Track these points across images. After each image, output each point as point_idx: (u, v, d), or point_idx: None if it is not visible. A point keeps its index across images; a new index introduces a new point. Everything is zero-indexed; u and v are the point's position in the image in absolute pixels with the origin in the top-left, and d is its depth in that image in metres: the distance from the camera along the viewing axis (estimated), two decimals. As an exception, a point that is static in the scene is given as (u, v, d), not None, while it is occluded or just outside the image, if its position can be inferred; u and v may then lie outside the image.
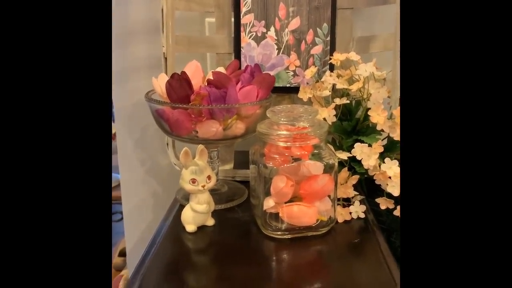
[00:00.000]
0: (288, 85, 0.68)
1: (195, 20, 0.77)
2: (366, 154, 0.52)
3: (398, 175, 0.50)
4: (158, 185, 0.91)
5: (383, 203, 0.54)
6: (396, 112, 0.52)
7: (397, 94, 0.63)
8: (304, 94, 0.61)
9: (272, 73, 0.67)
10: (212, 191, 0.59)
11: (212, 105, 0.50)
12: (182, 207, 0.56)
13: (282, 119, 0.48)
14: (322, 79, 0.62)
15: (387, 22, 0.70)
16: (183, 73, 0.53)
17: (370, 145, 0.54)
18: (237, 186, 0.63)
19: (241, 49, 0.67)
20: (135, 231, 0.90)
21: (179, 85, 0.51)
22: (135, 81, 0.78)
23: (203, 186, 0.49)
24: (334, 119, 0.58)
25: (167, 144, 0.65)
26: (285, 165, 0.48)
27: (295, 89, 0.65)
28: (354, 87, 0.56)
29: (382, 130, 0.54)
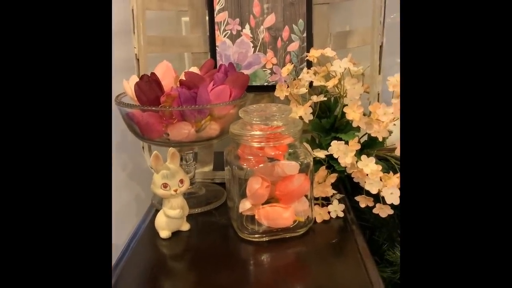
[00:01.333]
0: (265, 84, 0.66)
1: (171, 19, 0.75)
2: (342, 152, 0.51)
3: (375, 172, 0.49)
4: (141, 189, 0.89)
5: (363, 201, 0.53)
6: (373, 108, 0.51)
7: (376, 89, 0.62)
8: (280, 92, 0.60)
9: (249, 71, 0.66)
10: (189, 195, 0.58)
11: (183, 106, 0.49)
12: (158, 212, 0.55)
13: (255, 119, 0.47)
14: (299, 77, 0.61)
15: (364, 16, 0.68)
16: (153, 74, 0.51)
17: (347, 143, 0.53)
18: (216, 189, 0.61)
19: (216, 48, 0.65)
20: (119, 235, 0.89)
21: (148, 87, 0.50)
22: (113, 83, 0.76)
23: (176, 191, 0.48)
24: (311, 117, 0.57)
25: (143, 147, 0.63)
26: (260, 165, 0.47)
27: (273, 88, 0.64)
28: (330, 84, 0.55)
29: (359, 127, 0.53)
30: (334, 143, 0.52)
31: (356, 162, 0.51)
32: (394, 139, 0.60)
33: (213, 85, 0.53)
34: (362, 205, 0.53)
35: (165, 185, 0.47)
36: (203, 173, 0.65)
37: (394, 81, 0.53)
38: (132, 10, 0.60)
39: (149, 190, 0.88)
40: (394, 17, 0.75)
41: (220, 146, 0.71)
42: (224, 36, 0.65)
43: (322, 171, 0.54)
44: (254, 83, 0.66)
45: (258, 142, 0.46)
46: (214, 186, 0.63)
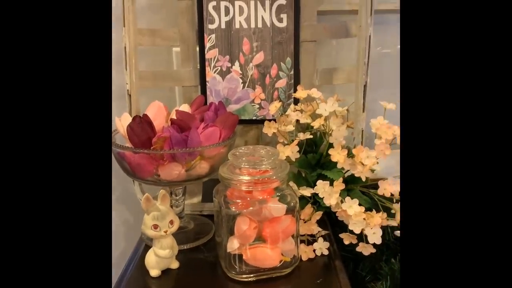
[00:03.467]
0: (254, 118, 0.68)
1: (161, 49, 0.76)
2: (327, 193, 0.53)
3: (359, 213, 0.52)
4: (129, 213, 0.90)
5: (347, 238, 0.55)
6: (356, 151, 0.54)
7: (359, 126, 0.64)
8: (268, 129, 0.62)
9: (238, 106, 0.68)
10: (179, 229, 0.59)
11: (174, 149, 0.50)
12: (147, 246, 0.56)
13: (243, 163, 0.49)
14: (287, 113, 0.63)
15: (349, 54, 0.71)
16: (145, 115, 0.52)
17: (333, 181, 0.55)
18: (204, 222, 0.63)
19: (207, 83, 0.67)
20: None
21: (141, 129, 0.51)
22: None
23: (166, 232, 0.49)
24: (298, 155, 0.59)
25: (133, 180, 0.65)
26: (248, 209, 0.49)
27: (261, 121, 0.66)
28: (316, 124, 0.57)
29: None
30: (319, 183, 0.54)
31: (341, 201, 0.54)
32: (379, 171, 0.63)
33: (204, 124, 0.55)
34: (346, 242, 0.55)
35: (155, 226, 0.49)
36: (191, 205, 0.67)
37: (376, 123, 0.55)
38: (125, 47, 0.61)
39: (137, 215, 0.89)
40: (379, 49, 0.78)
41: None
42: (214, 72, 0.66)
43: (308, 209, 0.56)
44: (243, 117, 0.68)
45: (246, 186, 0.48)
46: (202, 219, 0.64)
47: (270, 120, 0.63)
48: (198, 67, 0.67)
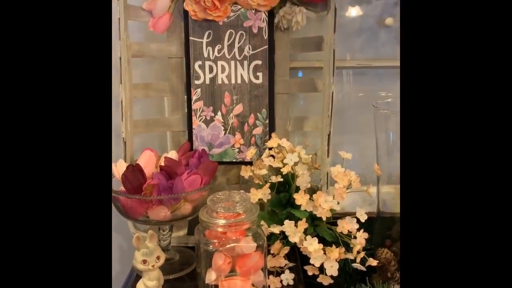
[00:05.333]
0: (234, 160, 0.78)
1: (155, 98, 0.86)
2: (292, 231, 0.62)
3: (318, 250, 0.61)
4: (123, 239, 0.98)
5: (310, 270, 0.64)
6: (316, 196, 0.63)
7: (325, 169, 0.74)
8: (245, 173, 0.71)
9: (220, 150, 0.77)
10: (166, 260, 0.68)
11: (161, 195, 0.60)
12: (138, 276, 0.64)
13: (219, 208, 0.58)
14: (262, 157, 0.73)
15: (317, 105, 0.81)
16: (137, 165, 0.62)
17: (299, 218, 0.64)
18: (188, 254, 0.71)
19: (193, 130, 0.76)
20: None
21: (133, 176, 0.60)
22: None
23: (153, 266, 0.58)
24: (269, 197, 0.68)
25: (127, 216, 0.73)
26: (223, 247, 0.58)
27: (240, 163, 0.76)
28: (285, 170, 0.67)
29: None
30: (286, 222, 0.63)
31: (305, 238, 0.63)
32: (347, 205, 0.72)
33: (188, 169, 0.64)
34: (310, 273, 0.64)
35: (144, 261, 0.57)
36: (178, 237, 0.76)
37: (335, 171, 0.65)
38: (121, 101, 0.71)
39: (131, 242, 0.98)
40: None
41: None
42: (200, 121, 0.76)
43: (277, 244, 0.65)
44: (224, 160, 0.77)
45: (222, 228, 0.57)
46: (187, 251, 0.73)
47: (247, 164, 0.73)
48: (186, 114, 0.77)
